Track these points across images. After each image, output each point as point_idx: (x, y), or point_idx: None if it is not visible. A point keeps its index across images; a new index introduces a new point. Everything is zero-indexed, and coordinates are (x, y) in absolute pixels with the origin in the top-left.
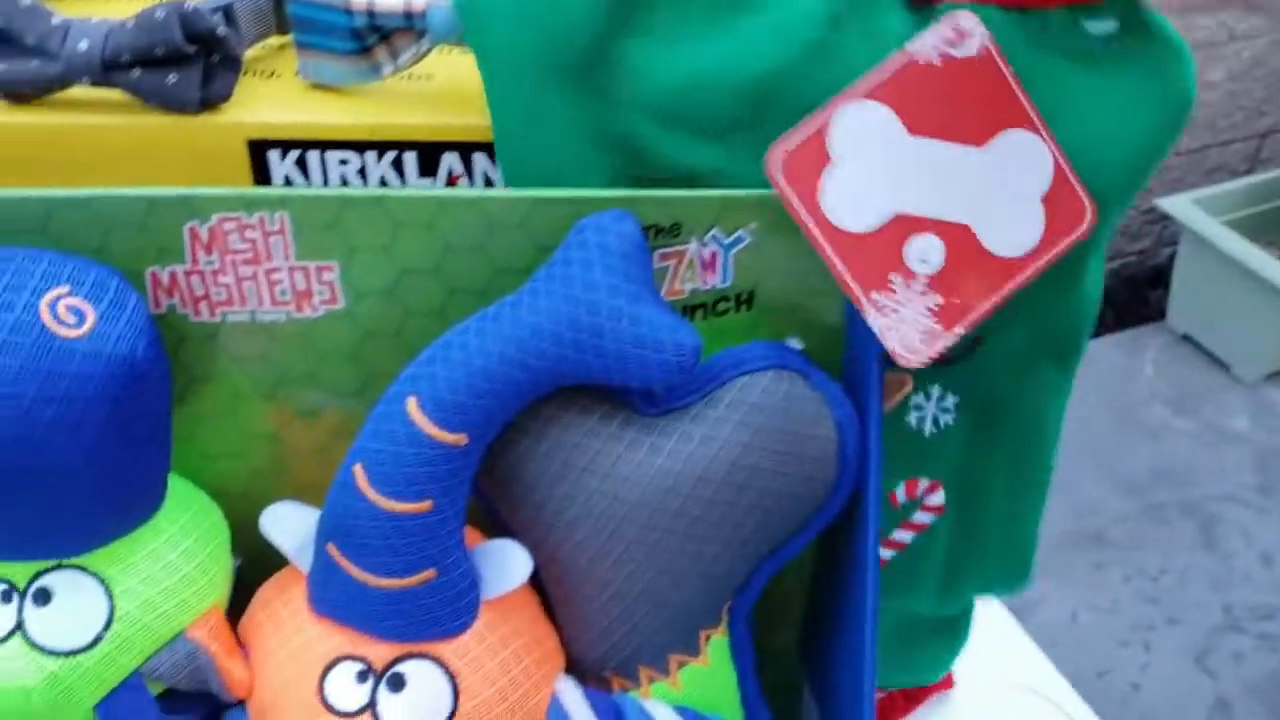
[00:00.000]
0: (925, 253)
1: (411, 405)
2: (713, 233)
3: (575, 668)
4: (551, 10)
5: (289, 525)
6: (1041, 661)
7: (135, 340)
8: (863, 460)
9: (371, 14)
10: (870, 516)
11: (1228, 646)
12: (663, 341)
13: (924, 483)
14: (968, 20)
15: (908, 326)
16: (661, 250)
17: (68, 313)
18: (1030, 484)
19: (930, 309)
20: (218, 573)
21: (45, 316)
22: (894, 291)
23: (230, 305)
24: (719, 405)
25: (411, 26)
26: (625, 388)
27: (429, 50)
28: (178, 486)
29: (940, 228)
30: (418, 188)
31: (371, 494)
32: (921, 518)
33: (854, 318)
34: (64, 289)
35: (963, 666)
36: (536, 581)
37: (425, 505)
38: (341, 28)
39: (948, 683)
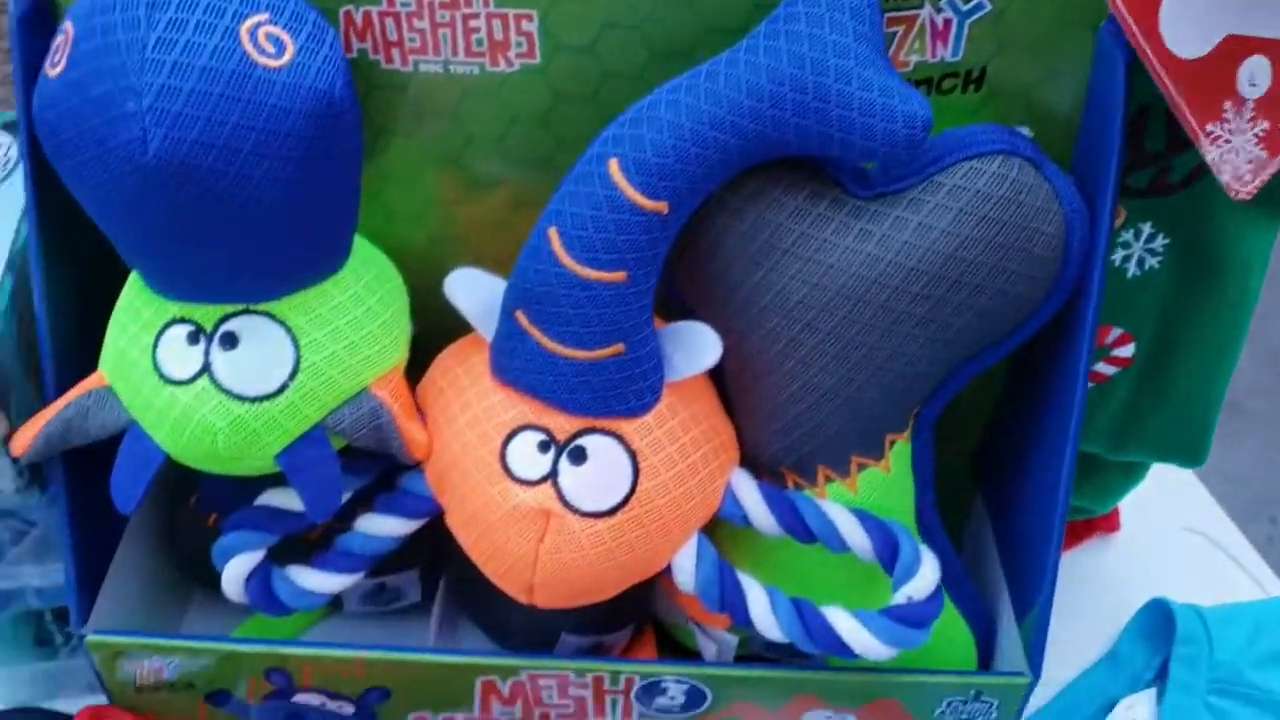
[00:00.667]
0: (1254, 75)
1: (613, 167)
2: None
3: (749, 463)
4: None
5: (474, 290)
6: (1208, 503)
7: (334, 77)
8: (1088, 264)
9: None
10: (1087, 329)
11: None
12: (893, 110)
13: (1116, 332)
14: None
15: (1239, 157)
16: (891, 14)
17: (267, 41)
18: (1224, 344)
19: (1258, 136)
20: (399, 334)
21: (246, 43)
22: (1226, 120)
23: (424, 53)
24: (939, 191)
25: None
26: (839, 164)
27: None
28: (361, 245)
29: (1269, 47)
30: None
31: (566, 260)
32: (1105, 369)
33: (1092, 109)
34: (264, 15)
35: (1129, 508)
36: (714, 374)
37: (620, 275)
38: None
39: (1114, 525)
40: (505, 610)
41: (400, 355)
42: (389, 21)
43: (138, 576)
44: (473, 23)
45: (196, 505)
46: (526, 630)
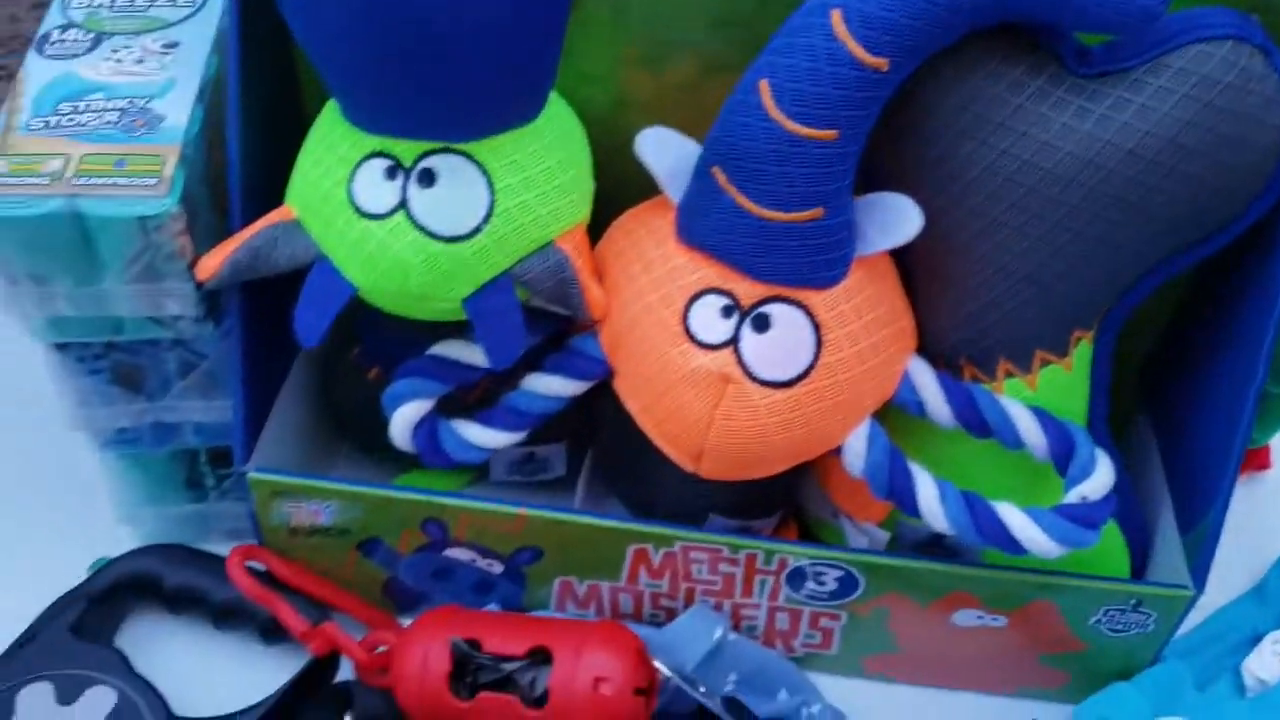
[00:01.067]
0: None
1: (836, 19)
2: None
3: (925, 352)
4: None
5: (665, 149)
6: None
7: None
8: None
9: None
10: None
11: None
12: None
13: None
14: None
15: None
16: None
17: None
18: None
19: None
20: (585, 190)
21: None
22: None
23: None
24: (1164, 73)
25: None
26: (1063, 37)
27: None
28: (553, 100)
29: None
30: None
31: (776, 113)
32: None
33: None
34: None
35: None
36: (896, 255)
37: (831, 133)
38: None
39: (1265, 462)
40: (654, 487)
41: (585, 211)
42: None
43: (292, 426)
44: None
45: (357, 358)
46: (674, 507)
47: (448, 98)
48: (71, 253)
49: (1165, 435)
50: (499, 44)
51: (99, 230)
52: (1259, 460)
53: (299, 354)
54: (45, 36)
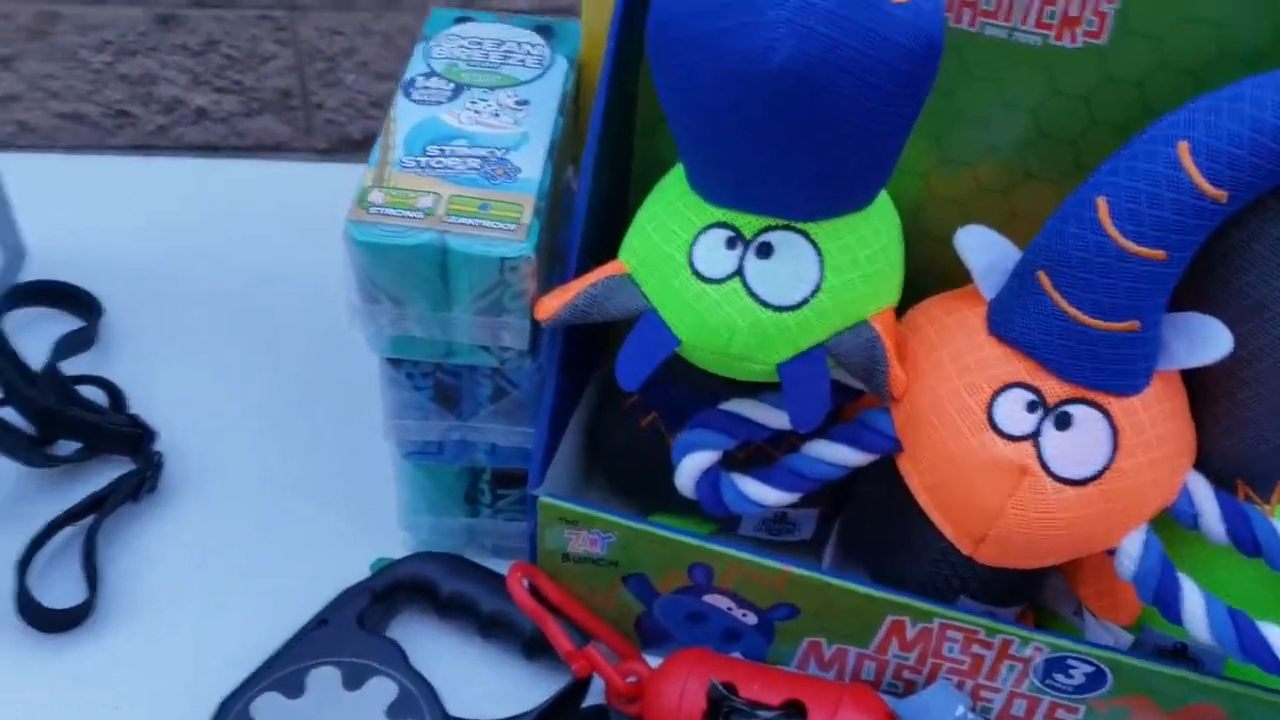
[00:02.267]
0: None
1: (1183, 150)
2: None
3: (1203, 467)
4: None
5: (983, 247)
6: None
7: (940, 22)
8: None
9: None
10: None
11: None
12: None
13: None
14: None
15: None
16: None
17: None
18: None
19: None
20: (899, 276)
21: None
22: None
23: (994, 18)
24: None
25: None
26: None
27: None
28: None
29: None
30: None
31: (1111, 229)
32: None
33: None
34: None
35: None
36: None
37: (1160, 254)
38: None
39: None
40: (908, 563)
41: (897, 296)
42: None
43: (565, 459)
44: None
45: (633, 405)
46: (926, 586)
47: (802, 183)
48: (431, 281)
49: None
50: (862, 138)
51: (461, 265)
52: None
53: (586, 391)
54: (411, 82)
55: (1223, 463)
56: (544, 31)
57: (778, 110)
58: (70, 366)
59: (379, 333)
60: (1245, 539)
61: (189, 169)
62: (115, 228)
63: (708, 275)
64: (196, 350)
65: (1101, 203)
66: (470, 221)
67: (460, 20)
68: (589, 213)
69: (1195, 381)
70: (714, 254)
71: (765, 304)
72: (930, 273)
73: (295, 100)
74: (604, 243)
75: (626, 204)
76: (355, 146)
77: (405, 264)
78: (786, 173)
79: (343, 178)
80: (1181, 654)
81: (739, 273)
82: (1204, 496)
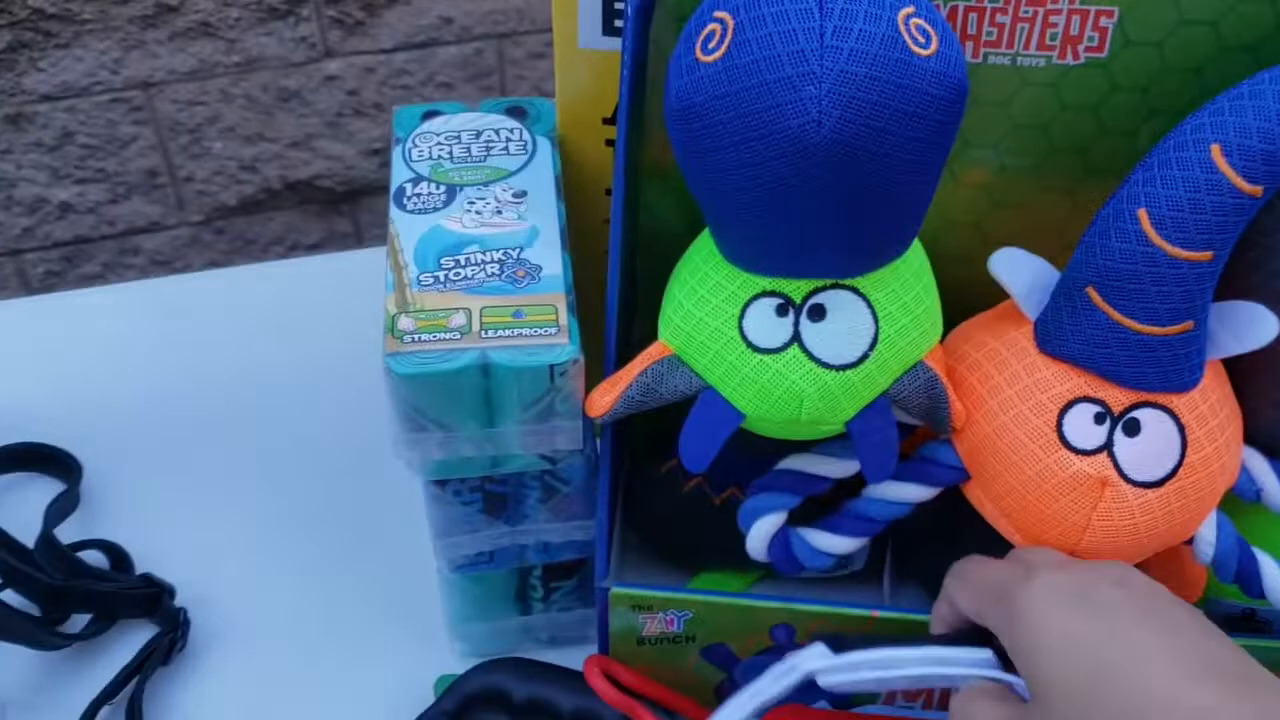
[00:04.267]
0: None
1: (1216, 152)
2: None
3: (1251, 441)
4: None
5: (1019, 268)
6: None
7: (962, 65)
8: None
9: None
10: None
11: None
12: None
13: None
14: None
15: None
16: None
17: (918, 31)
18: None
19: None
20: (938, 310)
21: (904, 31)
22: None
23: (996, 46)
24: None
25: None
26: None
27: None
28: None
29: None
30: None
31: (1156, 239)
32: None
33: None
34: (911, 8)
35: None
36: None
37: (1207, 255)
38: None
39: None
40: None
41: (940, 329)
42: (972, 16)
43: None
44: (1053, 18)
45: (673, 470)
46: None
47: (849, 244)
48: (477, 399)
49: None
50: (905, 191)
51: (509, 379)
52: None
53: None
54: (401, 190)
55: (1272, 434)
56: (516, 113)
57: (823, 182)
58: (62, 533)
59: (426, 458)
60: None
61: (130, 295)
62: (61, 372)
63: (764, 346)
64: (191, 489)
65: (1142, 214)
66: (508, 333)
67: (428, 115)
68: (619, 299)
69: (1235, 360)
70: (766, 323)
71: (828, 366)
72: (951, 293)
73: (162, 178)
74: (625, 315)
75: (635, 271)
76: (233, 213)
77: (450, 388)
78: (833, 237)
79: (289, 273)
80: (1251, 618)
81: (796, 339)
82: (1262, 470)
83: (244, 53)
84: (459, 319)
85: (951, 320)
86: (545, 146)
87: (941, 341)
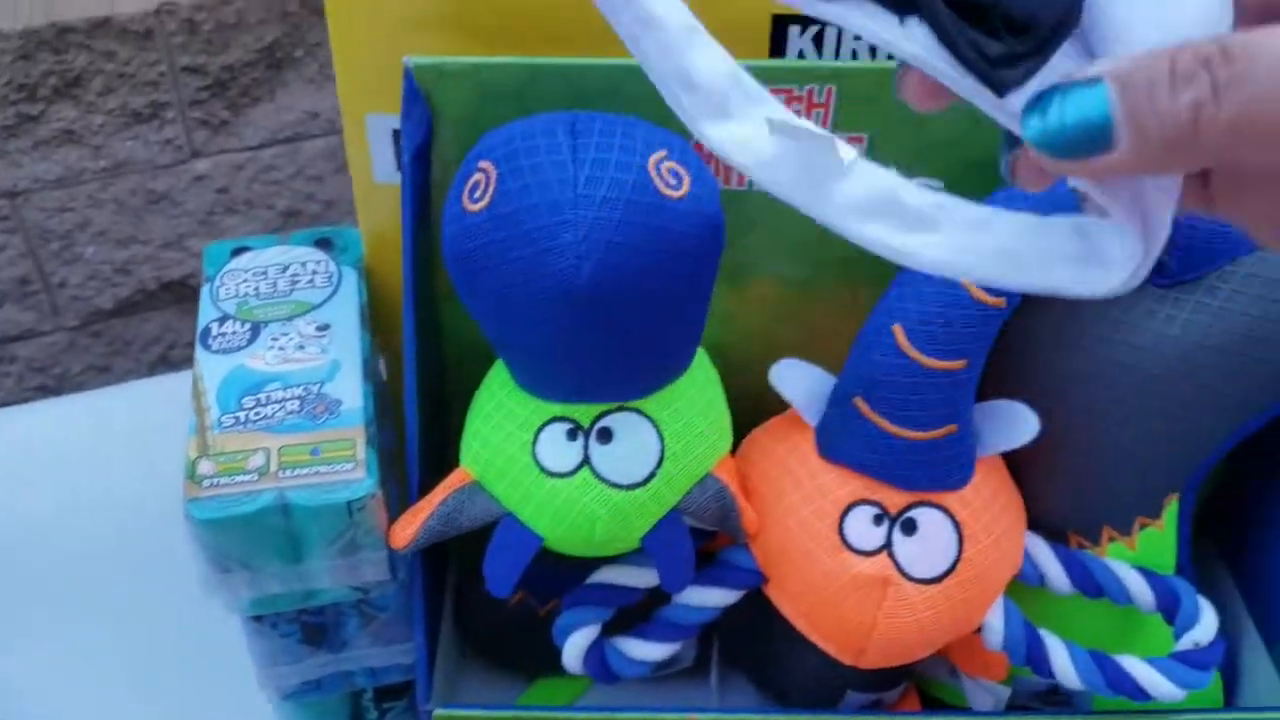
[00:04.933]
0: None
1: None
2: None
3: (1035, 526)
4: None
5: (799, 379)
6: None
7: (715, 201)
8: None
9: None
10: None
11: None
12: None
13: None
14: None
15: None
16: None
17: (669, 174)
18: None
19: None
20: (726, 421)
21: (654, 177)
22: None
23: None
24: (1232, 279)
25: None
26: None
27: None
28: None
29: None
30: None
31: (911, 352)
32: None
33: None
34: (662, 152)
35: None
36: None
37: (961, 363)
38: None
39: None
40: (789, 670)
41: (729, 441)
42: None
43: (441, 653)
44: None
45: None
46: (813, 689)
47: (628, 371)
48: (279, 538)
49: (1236, 556)
50: (676, 317)
51: (308, 518)
52: None
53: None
54: (207, 331)
55: (1051, 520)
56: (324, 245)
57: (593, 321)
58: None
59: (236, 597)
60: (1089, 587)
61: None
62: None
63: (556, 470)
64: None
65: (898, 330)
66: (306, 471)
67: (237, 251)
68: (419, 430)
69: (1012, 454)
70: (558, 448)
71: (618, 486)
72: (744, 400)
73: (35, 284)
74: (432, 436)
75: (443, 389)
76: (109, 316)
77: (252, 530)
78: (611, 368)
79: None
80: (1054, 693)
81: (586, 462)
82: (1044, 556)
83: (111, 157)
84: (258, 459)
85: (747, 426)
86: (351, 276)
87: (734, 450)
